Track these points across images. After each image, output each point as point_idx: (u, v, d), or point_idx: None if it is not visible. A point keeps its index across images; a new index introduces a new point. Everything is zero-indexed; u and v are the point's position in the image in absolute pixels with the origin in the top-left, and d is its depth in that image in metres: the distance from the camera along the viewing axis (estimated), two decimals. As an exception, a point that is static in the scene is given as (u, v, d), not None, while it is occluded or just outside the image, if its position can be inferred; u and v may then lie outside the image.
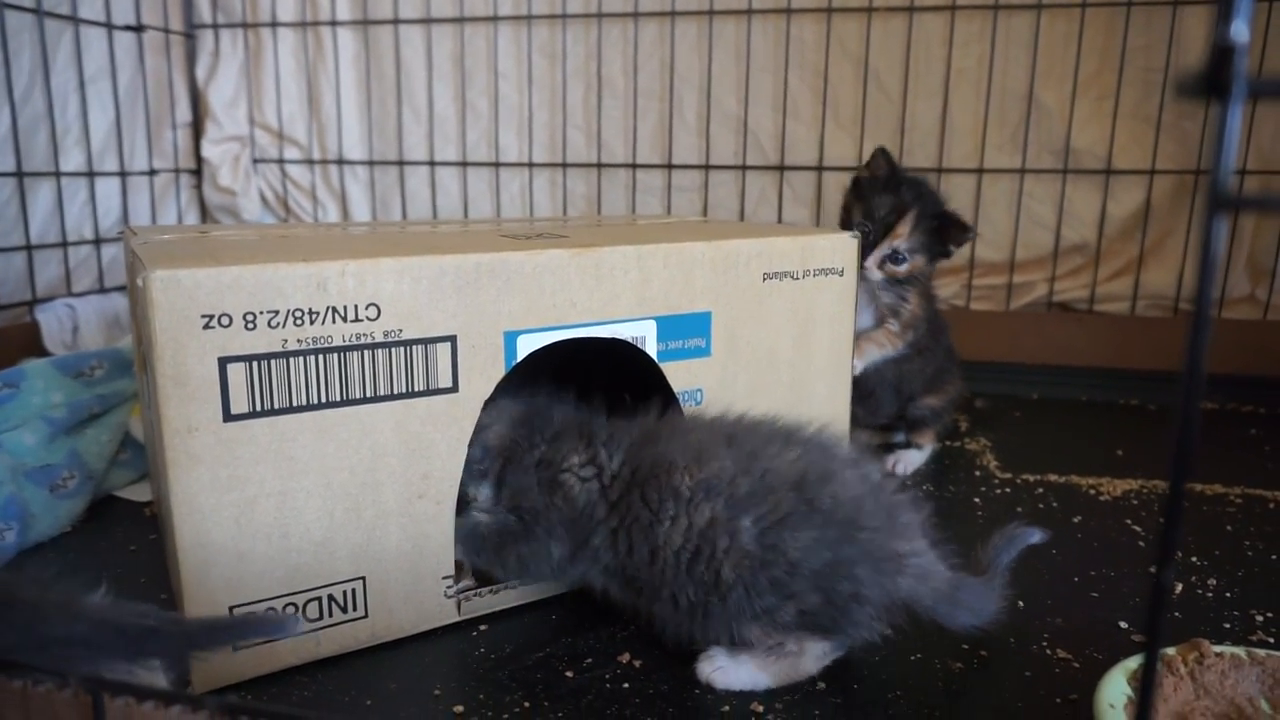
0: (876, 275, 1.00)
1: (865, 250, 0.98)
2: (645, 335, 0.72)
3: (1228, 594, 0.74)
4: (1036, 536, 0.68)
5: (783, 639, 0.60)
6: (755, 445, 0.63)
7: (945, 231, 1.01)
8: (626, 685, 0.61)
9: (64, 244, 1.35)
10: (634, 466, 0.64)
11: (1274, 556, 0.82)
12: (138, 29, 1.46)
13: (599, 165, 1.55)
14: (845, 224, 1.03)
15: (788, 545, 0.58)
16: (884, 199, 0.99)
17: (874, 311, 1.03)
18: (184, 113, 1.59)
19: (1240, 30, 0.20)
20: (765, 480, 0.60)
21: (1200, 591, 0.75)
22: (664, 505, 0.62)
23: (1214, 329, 1.50)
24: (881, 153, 1.02)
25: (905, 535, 0.61)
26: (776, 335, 0.80)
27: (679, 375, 0.75)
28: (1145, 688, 0.31)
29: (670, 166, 1.53)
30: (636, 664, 0.63)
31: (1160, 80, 1.34)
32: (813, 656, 0.61)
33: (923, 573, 0.60)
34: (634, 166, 1.54)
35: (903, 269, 1.00)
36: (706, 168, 1.52)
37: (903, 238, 0.98)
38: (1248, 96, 0.22)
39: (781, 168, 1.49)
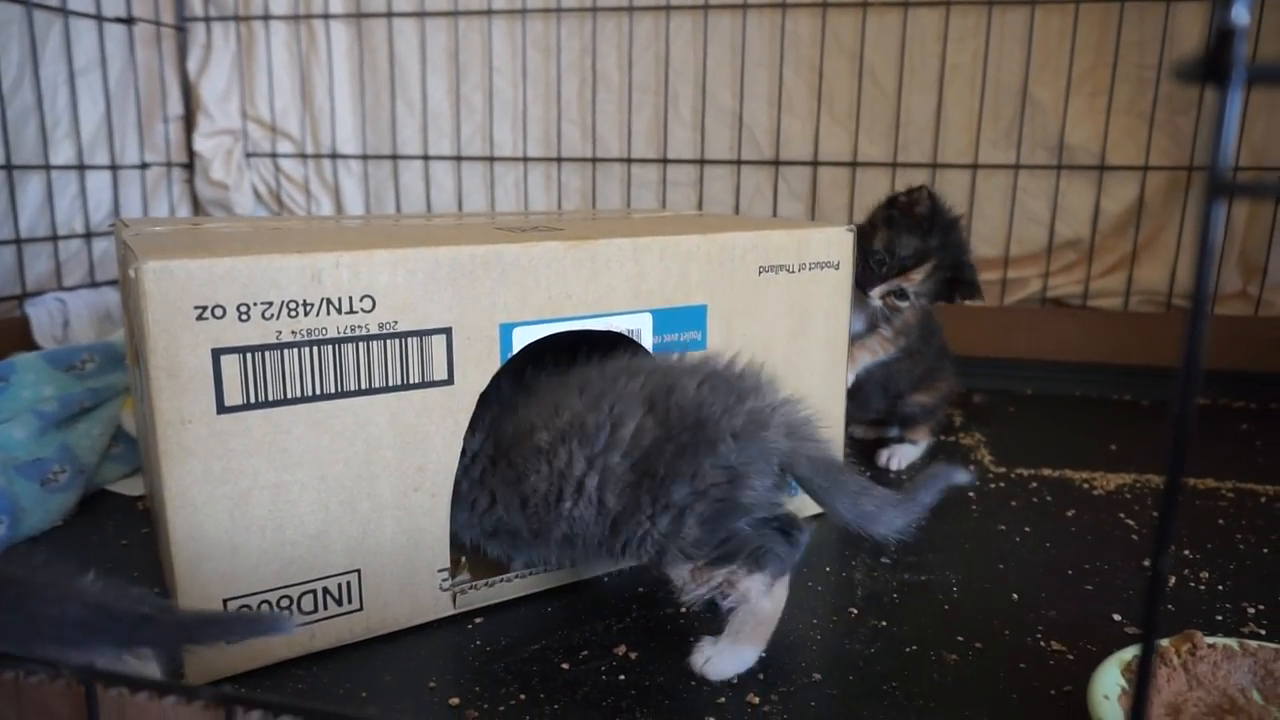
0: (877, 303, 1.00)
1: (874, 277, 0.98)
2: (641, 328, 0.72)
3: (1220, 587, 0.75)
4: (962, 477, 0.65)
5: (712, 577, 0.61)
6: (603, 385, 0.65)
7: (956, 285, 1.01)
8: (622, 677, 0.61)
9: (54, 237, 1.34)
10: (496, 440, 0.68)
11: (1265, 550, 0.82)
12: (128, 21, 1.45)
13: (594, 160, 1.55)
14: (865, 235, 1.00)
15: (654, 464, 0.61)
16: (910, 240, 0.98)
17: (866, 316, 1.03)
18: (175, 106, 1.58)
19: (1240, 13, 0.20)
20: (615, 411, 0.63)
21: (1193, 584, 0.75)
22: (529, 463, 0.65)
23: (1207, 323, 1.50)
24: (928, 195, 0.99)
25: (756, 394, 0.63)
26: (772, 328, 0.80)
27: (674, 368, 0.75)
28: (1141, 677, 0.31)
29: (665, 161, 1.53)
30: (632, 656, 0.63)
31: (1154, 76, 1.34)
32: (758, 591, 0.61)
33: (790, 427, 0.62)
34: (629, 161, 1.54)
35: (903, 304, 1.00)
36: (701, 162, 1.52)
37: (914, 282, 0.98)
38: (1246, 81, 0.22)
39: (777, 162, 1.49)
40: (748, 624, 0.61)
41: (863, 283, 0.97)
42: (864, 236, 1.00)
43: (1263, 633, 0.67)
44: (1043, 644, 0.66)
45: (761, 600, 0.61)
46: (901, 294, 0.99)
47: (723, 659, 0.61)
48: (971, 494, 0.96)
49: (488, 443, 0.69)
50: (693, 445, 0.61)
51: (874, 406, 1.08)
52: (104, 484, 0.92)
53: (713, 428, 0.61)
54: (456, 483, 0.67)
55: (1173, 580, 0.76)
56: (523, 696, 0.59)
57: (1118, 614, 0.70)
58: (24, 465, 0.83)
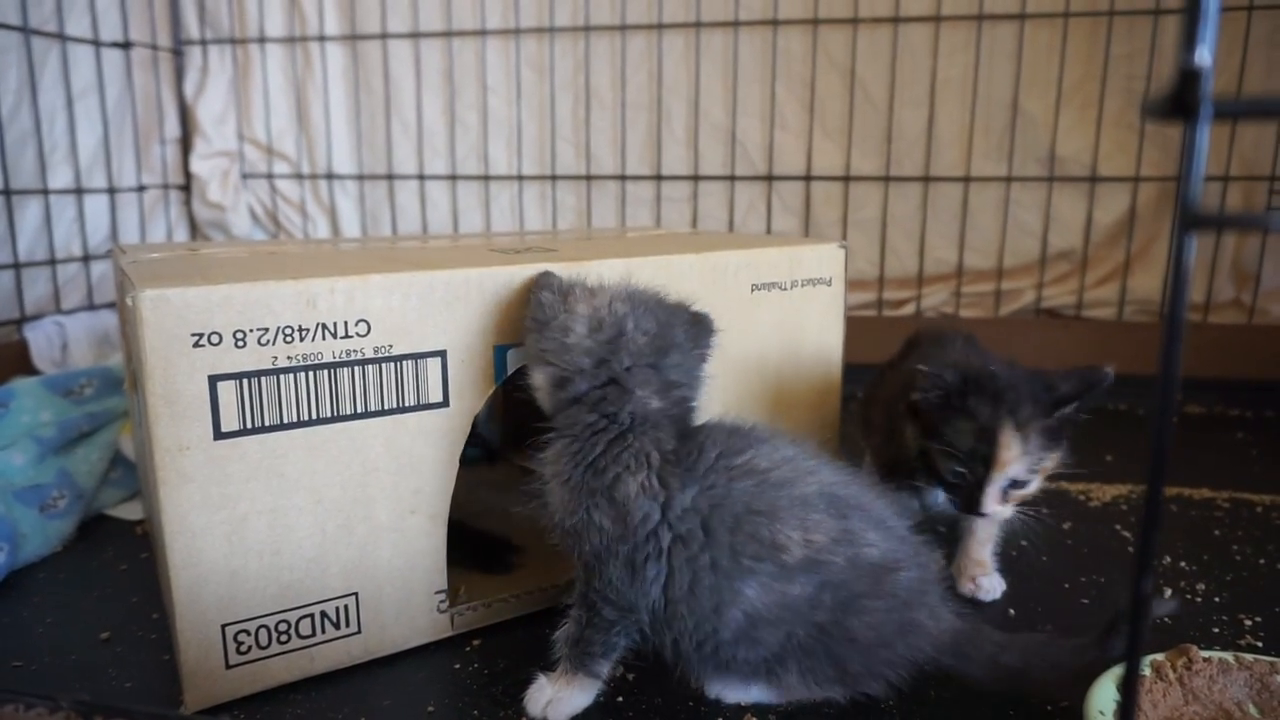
0: (1007, 513, 0.73)
1: (971, 489, 0.71)
2: (635, 348, 0.73)
3: (1216, 599, 0.75)
4: (1166, 607, 0.63)
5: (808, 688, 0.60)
6: (851, 521, 0.57)
7: (1064, 414, 0.72)
8: (620, 699, 0.61)
9: (52, 261, 1.35)
10: (713, 502, 0.57)
11: (1262, 561, 0.82)
12: (125, 45, 1.46)
13: (588, 177, 1.56)
14: (928, 464, 0.74)
15: (854, 628, 0.57)
16: (961, 426, 0.71)
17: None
18: (173, 128, 1.59)
19: (1204, 56, 0.21)
20: (856, 564, 0.56)
21: (1189, 596, 0.76)
22: (760, 562, 0.55)
23: (1200, 334, 1.51)
24: (923, 374, 0.72)
25: (938, 616, 0.59)
26: (765, 345, 0.81)
27: (669, 387, 0.75)
28: (1127, 694, 0.31)
29: (659, 178, 1.54)
30: (630, 677, 0.64)
31: (1142, 88, 1.36)
32: (817, 696, 0.61)
33: (946, 647, 0.59)
34: (623, 178, 1.55)
35: (1033, 488, 0.73)
36: (695, 179, 1.53)
37: (1013, 463, 0.70)
38: (1214, 117, 0.23)
39: (770, 178, 1.50)
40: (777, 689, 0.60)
41: (970, 506, 0.72)
42: (929, 466, 0.74)
43: (1260, 645, 0.67)
44: (1039, 658, 0.66)
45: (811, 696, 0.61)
46: (1020, 483, 0.72)
47: (748, 692, 0.60)
48: (968, 507, 0.96)
49: (700, 499, 0.57)
50: (887, 625, 0.57)
51: None
52: (103, 509, 0.92)
53: (909, 620, 0.58)
54: (649, 526, 0.56)
55: (1169, 592, 0.76)
56: (521, 719, 0.59)
57: (1114, 627, 0.70)
58: (23, 491, 0.83)
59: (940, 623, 0.59)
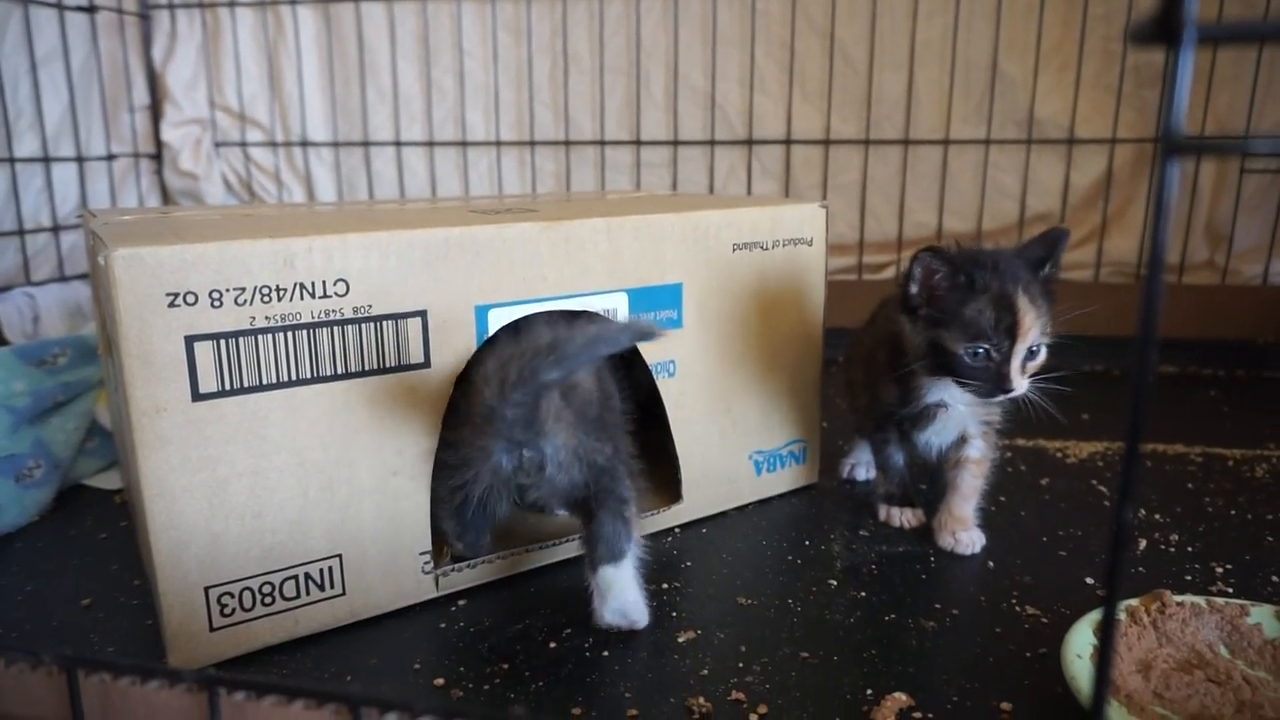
0: (1025, 387, 0.71)
1: (993, 369, 0.70)
2: (617, 307, 0.73)
3: (1189, 548, 0.77)
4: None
5: None
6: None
7: (1045, 275, 0.73)
8: (606, 653, 0.62)
9: (20, 231, 1.32)
10: None
11: (1233, 512, 0.84)
12: (90, 9, 1.42)
13: (567, 143, 1.54)
14: (940, 360, 0.72)
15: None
16: (976, 301, 0.70)
17: (964, 417, 0.79)
18: (141, 95, 1.55)
19: (1189, -27, 0.21)
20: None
21: (1163, 547, 0.77)
22: None
23: (1174, 295, 1.52)
24: (921, 256, 0.71)
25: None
26: (747, 305, 0.81)
27: (652, 347, 0.75)
28: (1105, 632, 0.32)
29: (639, 143, 1.53)
30: (616, 632, 0.64)
31: (1120, 50, 1.36)
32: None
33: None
34: (602, 144, 1.53)
35: (1042, 357, 0.73)
36: (675, 143, 1.52)
37: (1033, 327, 0.70)
38: (1199, 41, 0.23)
39: (750, 142, 1.49)
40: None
41: (1001, 384, 0.70)
42: (941, 361, 0.72)
43: (1230, 590, 0.69)
44: (1018, 609, 0.67)
45: None
46: (1032, 353, 0.72)
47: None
48: (948, 465, 0.97)
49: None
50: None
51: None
52: (80, 479, 0.91)
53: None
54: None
55: (1143, 543, 0.78)
56: (508, 675, 0.59)
57: (1090, 578, 0.72)
58: (-3, 461, 0.82)
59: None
